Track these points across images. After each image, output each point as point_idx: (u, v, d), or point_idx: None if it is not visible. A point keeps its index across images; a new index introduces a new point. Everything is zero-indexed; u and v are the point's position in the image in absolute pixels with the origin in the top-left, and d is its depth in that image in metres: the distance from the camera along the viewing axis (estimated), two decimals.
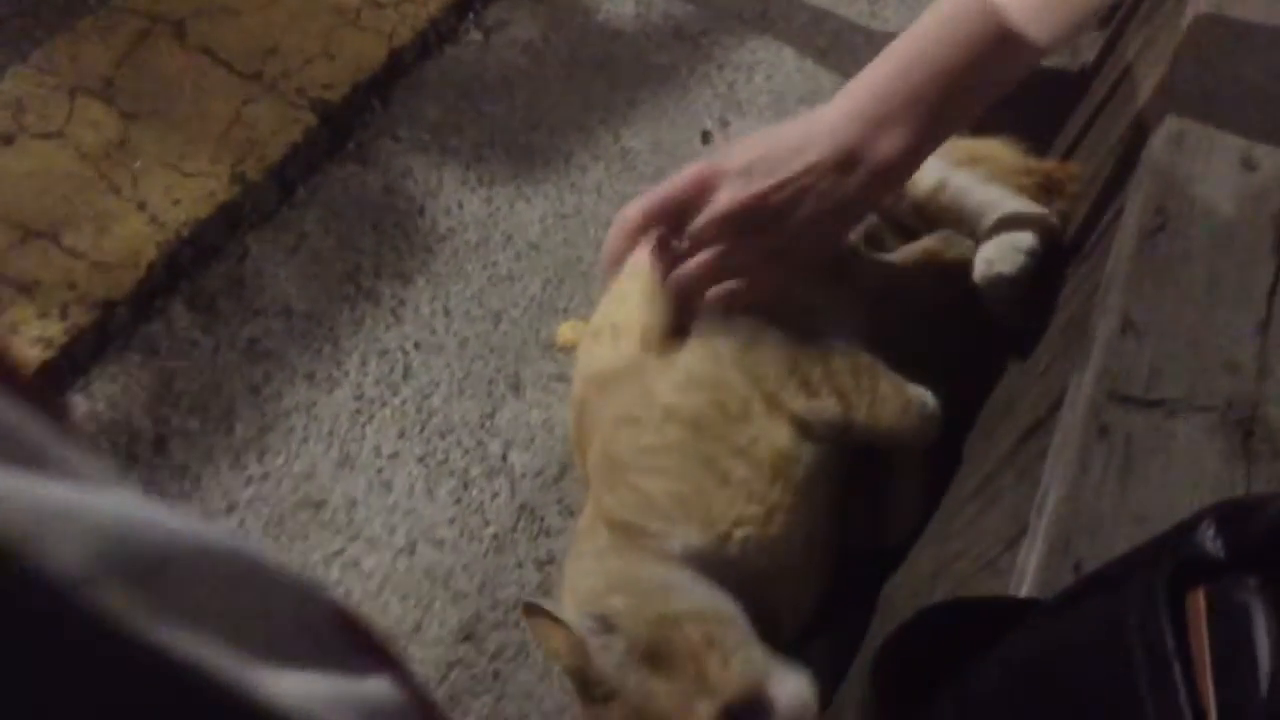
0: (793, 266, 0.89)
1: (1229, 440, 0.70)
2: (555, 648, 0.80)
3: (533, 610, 0.80)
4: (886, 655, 0.54)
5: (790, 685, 0.80)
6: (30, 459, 0.28)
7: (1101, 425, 0.70)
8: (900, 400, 0.90)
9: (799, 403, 0.87)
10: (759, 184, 0.83)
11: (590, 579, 0.86)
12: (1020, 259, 0.91)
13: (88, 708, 0.23)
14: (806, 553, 0.89)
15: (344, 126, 1.35)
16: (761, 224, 0.84)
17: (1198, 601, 0.40)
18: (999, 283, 0.91)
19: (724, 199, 0.84)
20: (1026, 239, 0.92)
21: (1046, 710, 0.47)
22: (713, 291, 0.88)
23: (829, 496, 0.90)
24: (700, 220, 0.85)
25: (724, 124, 1.45)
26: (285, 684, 0.28)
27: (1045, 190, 1.04)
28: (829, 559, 0.92)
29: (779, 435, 0.87)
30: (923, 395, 0.92)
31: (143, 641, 0.24)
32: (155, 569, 0.27)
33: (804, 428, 0.88)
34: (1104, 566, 0.47)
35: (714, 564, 0.85)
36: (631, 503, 0.87)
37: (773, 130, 0.86)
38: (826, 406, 0.87)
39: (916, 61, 0.83)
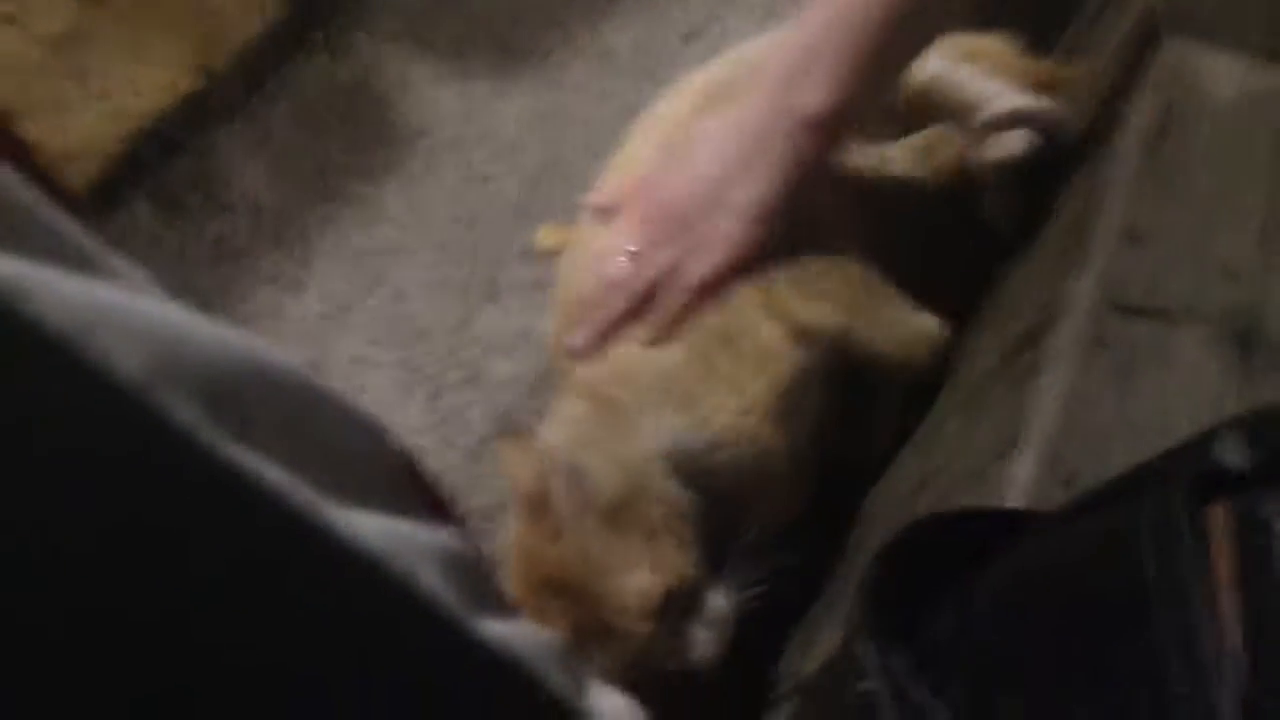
0: (759, 246, 0.85)
1: (1227, 352, 0.68)
2: (518, 471, 0.79)
3: (508, 437, 0.81)
4: (878, 569, 0.52)
5: (718, 597, 0.80)
6: (84, 263, 0.26)
7: (1100, 334, 0.68)
8: (904, 325, 0.88)
9: (797, 304, 0.85)
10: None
11: (562, 438, 0.85)
12: (1027, 140, 0.89)
13: (158, 523, 0.22)
14: (787, 464, 0.87)
15: (313, 15, 1.29)
16: (693, 220, 0.83)
17: (1218, 516, 0.39)
18: (1005, 165, 0.89)
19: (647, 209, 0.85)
20: (1031, 124, 0.90)
21: (1052, 624, 0.45)
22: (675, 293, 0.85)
23: (813, 410, 0.88)
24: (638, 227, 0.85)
25: (711, 22, 1.40)
26: (363, 524, 0.27)
27: (1043, 91, 1.01)
28: (807, 476, 0.91)
29: (770, 334, 0.85)
30: (930, 324, 0.89)
31: (216, 456, 0.23)
32: (221, 387, 0.25)
33: (798, 332, 0.85)
34: (1114, 479, 0.45)
35: (689, 455, 0.83)
36: (613, 375, 0.85)
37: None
38: (827, 316, 0.85)
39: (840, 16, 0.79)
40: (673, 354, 0.85)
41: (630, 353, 0.86)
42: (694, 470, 0.83)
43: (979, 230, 0.94)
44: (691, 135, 0.88)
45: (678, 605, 0.78)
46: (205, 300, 1.06)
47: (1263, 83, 0.78)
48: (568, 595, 0.78)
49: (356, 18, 1.30)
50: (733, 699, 0.87)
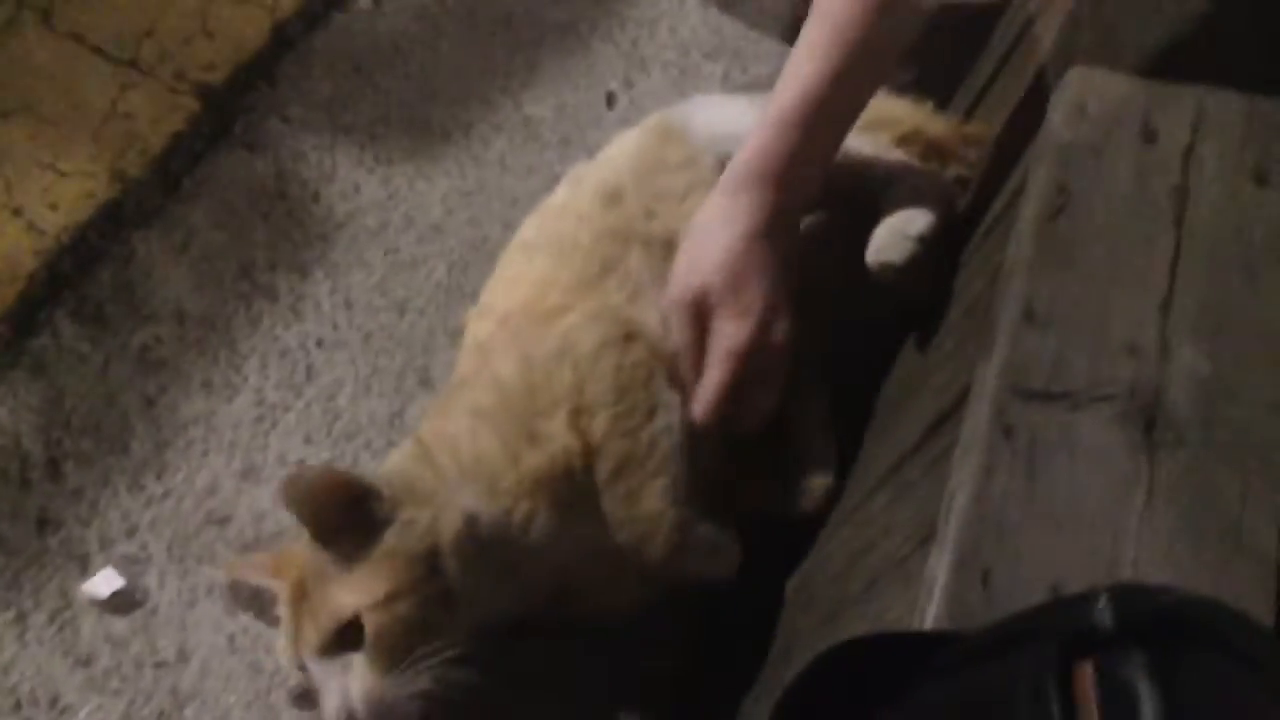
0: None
1: (1132, 431, 0.69)
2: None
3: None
4: (789, 702, 0.53)
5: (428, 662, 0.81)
6: None
7: (1006, 425, 0.69)
8: (665, 522, 0.88)
9: (595, 436, 0.87)
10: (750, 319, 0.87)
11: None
12: (909, 247, 0.88)
13: None
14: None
15: (229, 110, 1.28)
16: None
17: (1085, 673, 0.40)
18: (887, 271, 0.88)
19: (729, 341, 0.88)
20: (918, 223, 0.88)
21: None
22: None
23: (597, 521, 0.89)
24: (717, 366, 0.89)
25: (629, 84, 1.41)
26: None
27: (948, 153, 1.02)
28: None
29: (572, 445, 0.86)
30: (711, 536, 0.91)
31: None
32: None
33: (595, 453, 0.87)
34: (999, 624, 0.46)
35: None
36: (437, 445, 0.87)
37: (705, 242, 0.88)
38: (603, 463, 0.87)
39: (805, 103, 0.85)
40: (487, 432, 0.86)
41: (464, 428, 0.88)
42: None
43: (885, 300, 0.94)
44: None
45: (350, 640, 0.80)
46: (134, 415, 1.05)
47: (1154, 153, 0.79)
48: (302, 594, 0.82)
49: (272, 108, 1.30)
50: None
